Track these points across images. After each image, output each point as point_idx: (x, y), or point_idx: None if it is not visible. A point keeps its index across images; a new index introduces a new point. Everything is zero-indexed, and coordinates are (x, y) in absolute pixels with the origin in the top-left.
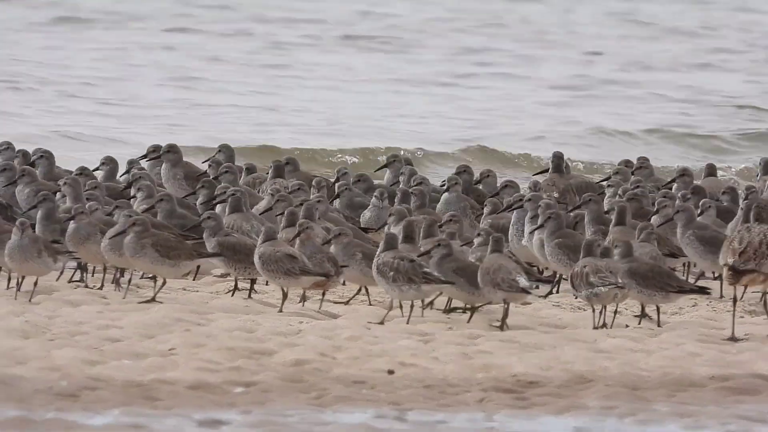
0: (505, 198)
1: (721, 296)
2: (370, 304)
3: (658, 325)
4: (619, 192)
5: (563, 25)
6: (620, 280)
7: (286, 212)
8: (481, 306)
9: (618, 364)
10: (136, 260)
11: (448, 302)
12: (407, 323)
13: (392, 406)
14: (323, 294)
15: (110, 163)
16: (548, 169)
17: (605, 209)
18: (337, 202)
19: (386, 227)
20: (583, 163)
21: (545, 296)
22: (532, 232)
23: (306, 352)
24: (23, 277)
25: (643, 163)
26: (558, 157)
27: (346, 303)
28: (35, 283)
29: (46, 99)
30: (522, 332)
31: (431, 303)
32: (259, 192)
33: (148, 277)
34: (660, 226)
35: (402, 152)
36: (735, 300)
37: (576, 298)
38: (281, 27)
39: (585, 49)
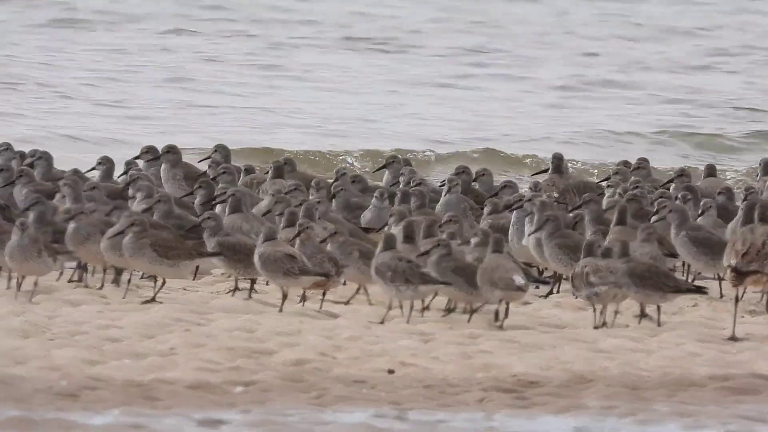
0: (504, 198)
1: (721, 296)
2: (370, 304)
3: (658, 325)
4: (619, 191)
5: (562, 26)
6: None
7: (285, 212)
8: (480, 306)
9: (618, 364)
10: (134, 260)
11: (448, 303)
12: (407, 323)
13: (392, 406)
14: (324, 294)
15: (106, 163)
16: (547, 169)
17: (604, 208)
18: (333, 203)
19: (387, 227)
20: (586, 164)
21: (545, 296)
22: (530, 234)
23: (306, 352)
24: (23, 277)
25: (641, 163)
26: (558, 159)
27: (347, 303)
28: (35, 283)
29: (45, 100)
30: (522, 332)
31: (429, 304)
32: (258, 193)
33: (147, 277)
34: (653, 224)
35: (408, 154)
36: (737, 300)
37: (576, 298)
38: (279, 28)
39: (584, 50)
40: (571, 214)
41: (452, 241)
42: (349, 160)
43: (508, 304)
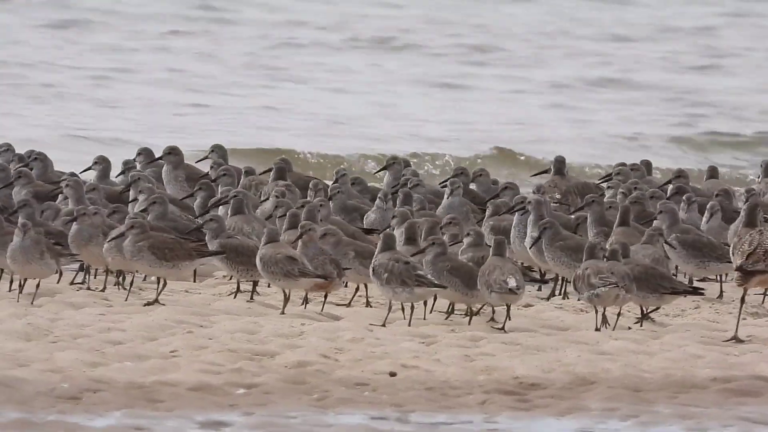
0: (506, 200)
1: (721, 293)
2: (368, 304)
3: (641, 326)
4: (622, 191)
5: (562, 27)
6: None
7: (288, 214)
8: (480, 308)
9: (620, 366)
10: (134, 263)
11: (449, 305)
12: (409, 325)
13: (394, 408)
14: (325, 296)
15: (103, 162)
16: (547, 170)
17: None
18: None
19: (390, 229)
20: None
21: (547, 299)
22: (531, 247)
23: (308, 354)
24: (25, 280)
25: (634, 165)
26: (560, 161)
27: (348, 305)
28: (37, 286)
29: (46, 100)
30: (524, 334)
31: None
32: (260, 195)
33: (149, 280)
34: (642, 224)
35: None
36: (743, 300)
37: (579, 300)
38: (279, 28)
39: (584, 51)
40: (572, 216)
41: (453, 243)
42: (349, 160)
43: (509, 306)
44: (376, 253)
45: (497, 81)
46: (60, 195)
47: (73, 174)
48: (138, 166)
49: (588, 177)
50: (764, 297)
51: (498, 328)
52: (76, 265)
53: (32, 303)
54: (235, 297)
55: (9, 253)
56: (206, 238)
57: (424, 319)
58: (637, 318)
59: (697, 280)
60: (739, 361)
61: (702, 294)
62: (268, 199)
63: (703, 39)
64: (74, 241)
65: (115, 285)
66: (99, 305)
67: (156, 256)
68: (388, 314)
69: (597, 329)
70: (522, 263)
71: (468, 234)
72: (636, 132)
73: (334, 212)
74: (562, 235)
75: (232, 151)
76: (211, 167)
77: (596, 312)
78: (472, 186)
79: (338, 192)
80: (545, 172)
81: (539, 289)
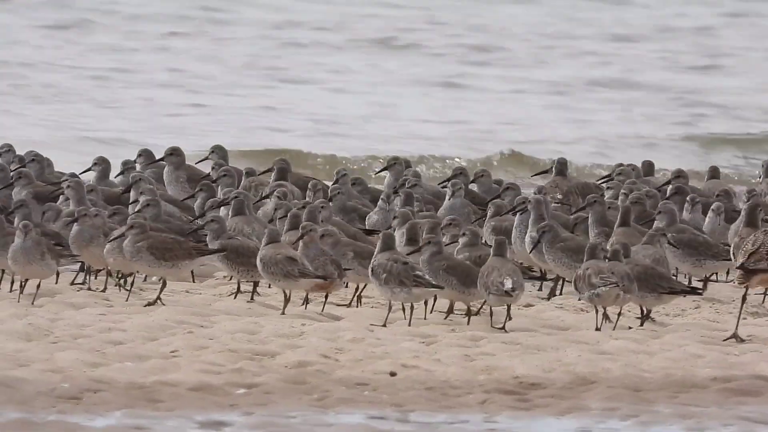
0: (507, 200)
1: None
2: (359, 303)
3: (641, 325)
4: (624, 191)
5: (562, 27)
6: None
7: (288, 215)
8: (480, 308)
9: (620, 366)
10: (134, 263)
11: (449, 305)
12: (409, 325)
13: (394, 408)
14: (326, 296)
15: (102, 163)
16: (547, 170)
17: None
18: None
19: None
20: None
21: (548, 298)
22: (531, 251)
23: (308, 354)
24: (26, 280)
25: (631, 165)
26: (561, 163)
27: (348, 305)
28: (38, 286)
29: (46, 100)
30: (524, 334)
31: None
32: (260, 195)
33: (149, 281)
34: (641, 224)
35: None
36: (744, 299)
37: (579, 300)
38: (280, 29)
39: (584, 51)
40: (573, 216)
41: (453, 243)
42: (349, 161)
43: (509, 306)
44: (375, 253)
45: (497, 81)
46: (61, 196)
47: (73, 175)
48: (138, 167)
49: (588, 177)
50: (764, 297)
51: (498, 328)
52: (77, 266)
53: (33, 303)
54: (235, 297)
55: (10, 254)
56: (207, 238)
57: (425, 319)
58: (638, 318)
59: (697, 280)
60: (739, 360)
61: (700, 294)
62: (264, 197)
63: (703, 39)
64: (75, 241)
65: (115, 286)
66: (99, 305)
67: (155, 256)
68: (388, 314)
69: (597, 329)
70: (522, 263)
71: (464, 234)
72: (636, 132)
73: (334, 213)
74: (562, 237)
75: (232, 151)
76: (213, 168)
77: (596, 312)
78: (472, 186)
79: (338, 193)
80: (545, 172)
81: (540, 289)
